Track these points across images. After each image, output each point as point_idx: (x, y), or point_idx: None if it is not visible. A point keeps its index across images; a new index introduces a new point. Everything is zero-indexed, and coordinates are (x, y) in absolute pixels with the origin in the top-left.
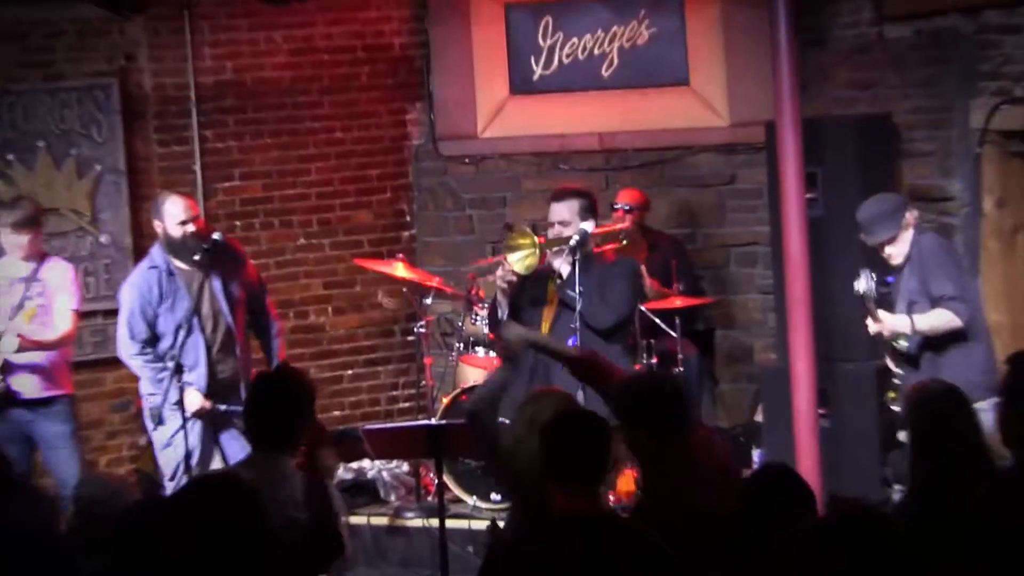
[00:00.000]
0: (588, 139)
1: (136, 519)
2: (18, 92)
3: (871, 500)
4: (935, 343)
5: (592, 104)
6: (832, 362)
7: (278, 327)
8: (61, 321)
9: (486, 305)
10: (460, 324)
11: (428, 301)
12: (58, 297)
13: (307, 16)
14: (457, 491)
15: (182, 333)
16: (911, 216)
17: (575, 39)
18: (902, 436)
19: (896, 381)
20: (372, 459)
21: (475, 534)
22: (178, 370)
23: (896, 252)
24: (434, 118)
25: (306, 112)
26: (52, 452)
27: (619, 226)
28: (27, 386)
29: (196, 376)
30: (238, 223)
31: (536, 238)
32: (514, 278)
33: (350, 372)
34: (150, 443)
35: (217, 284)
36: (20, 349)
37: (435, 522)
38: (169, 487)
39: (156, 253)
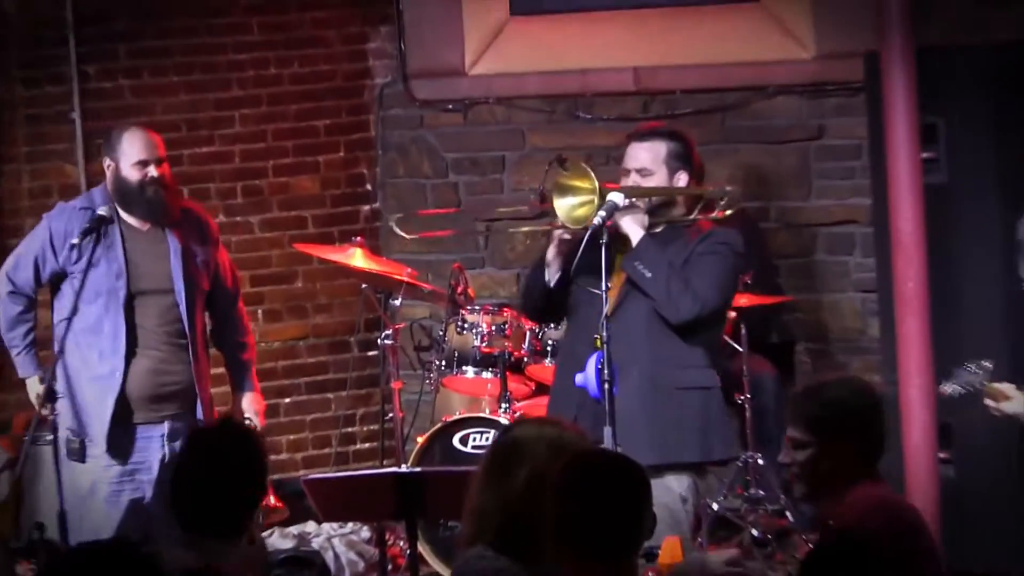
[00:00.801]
0: (619, 77)
1: None
2: None
3: None
4: None
5: (625, 28)
6: None
7: (250, 343)
8: None
9: (478, 308)
10: (441, 334)
11: (396, 302)
12: None
13: None
14: (436, 564)
15: (97, 306)
16: None
17: None
18: None
19: None
20: (319, 521)
21: None
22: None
23: None
24: (405, 47)
25: (227, 39)
26: None
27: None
28: None
29: (106, 371)
30: None
31: (598, 182)
32: (570, 236)
33: (288, 401)
34: (19, 482)
35: (176, 259)
36: None
37: None
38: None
39: (97, 193)
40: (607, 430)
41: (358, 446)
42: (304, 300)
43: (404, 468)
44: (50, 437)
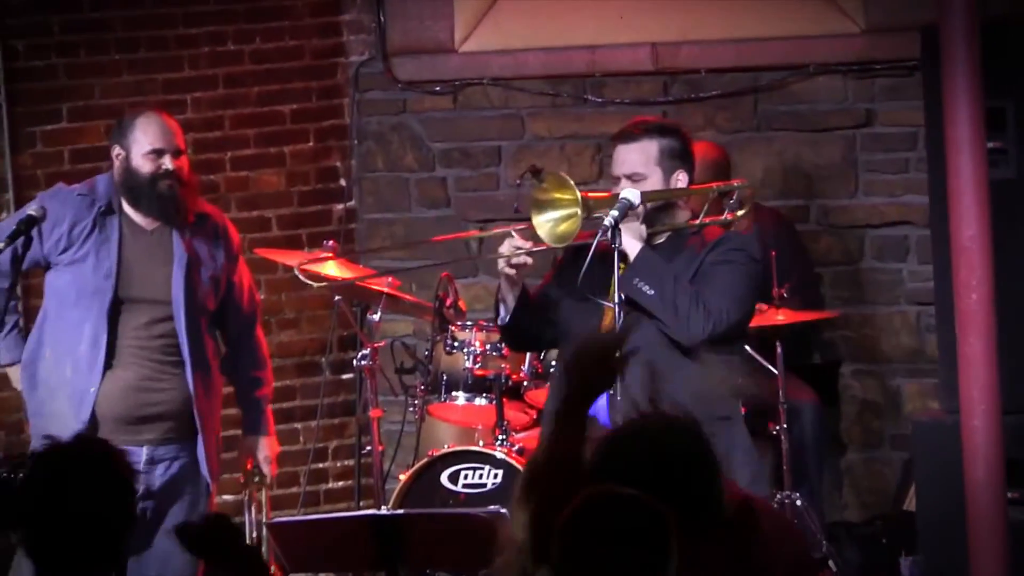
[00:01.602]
0: (634, 53)
1: None
2: None
3: None
4: None
5: None
6: None
7: (267, 379)
8: None
9: (470, 323)
10: (427, 354)
11: (375, 317)
12: None
13: None
14: None
15: (79, 309)
16: None
17: None
18: None
19: None
20: (286, 571)
21: None
22: None
23: None
24: (384, 20)
25: (177, 11)
26: None
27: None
28: None
29: (80, 386)
30: None
31: (579, 192)
32: (528, 260)
33: None
34: None
35: (180, 268)
36: None
37: None
38: None
39: (101, 182)
40: None
41: (330, 484)
42: (267, 314)
43: (384, 510)
44: None
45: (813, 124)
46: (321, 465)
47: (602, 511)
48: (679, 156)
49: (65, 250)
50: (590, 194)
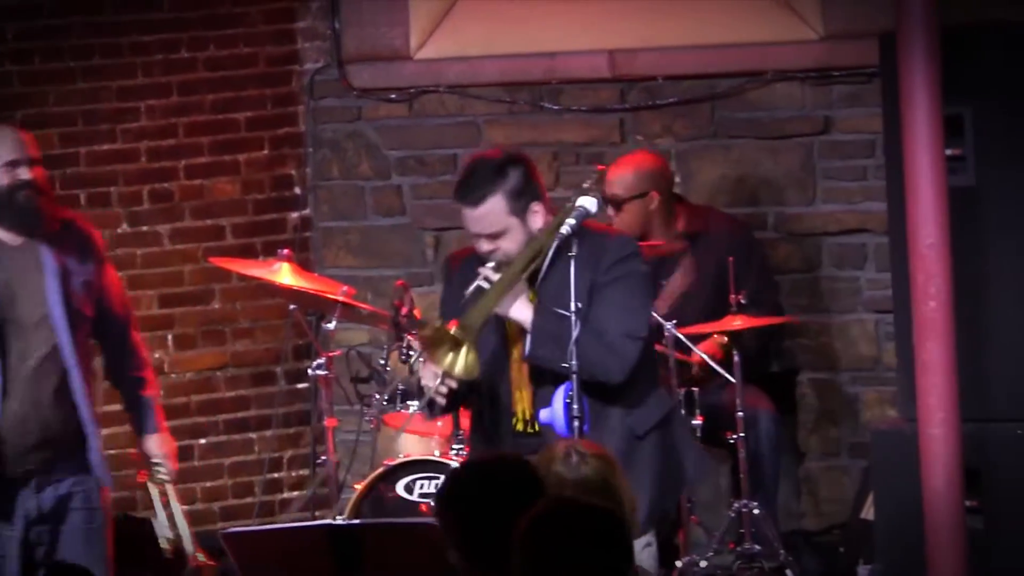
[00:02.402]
0: (591, 60)
1: None
2: None
3: None
4: None
5: (598, 4)
6: (989, 424)
7: (148, 378)
8: None
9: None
10: (383, 363)
11: (330, 326)
12: None
13: None
14: None
15: None
16: None
17: None
18: None
19: None
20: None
21: None
22: None
23: None
24: (340, 27)
25: (131, 18)
26: None
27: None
28: None
29: None
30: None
31: (447, 327)
32: (454, 384)
33: (203, 441)
34: None
35: (53, 278)
36: None
37: None
38: None
39: None
40: None
41: (285, 494)
42: (222, 324)
43: (339, 520)
44: None
45: (771, 131)
46: (276, 475)
47: (562, 516)
48: (524, 190)
49: None
50: (453, 324)
